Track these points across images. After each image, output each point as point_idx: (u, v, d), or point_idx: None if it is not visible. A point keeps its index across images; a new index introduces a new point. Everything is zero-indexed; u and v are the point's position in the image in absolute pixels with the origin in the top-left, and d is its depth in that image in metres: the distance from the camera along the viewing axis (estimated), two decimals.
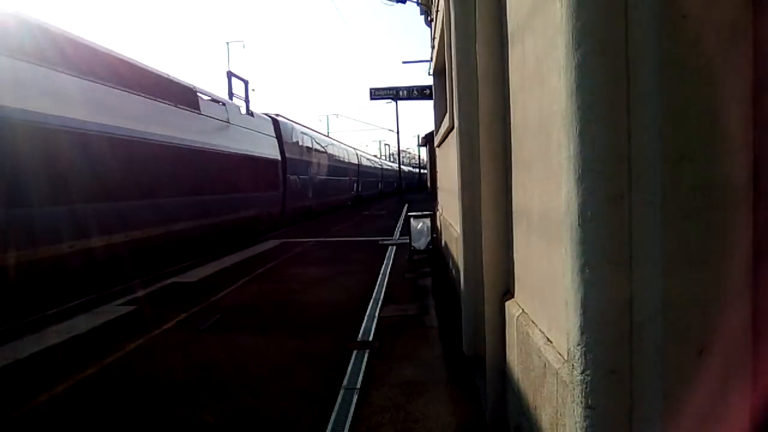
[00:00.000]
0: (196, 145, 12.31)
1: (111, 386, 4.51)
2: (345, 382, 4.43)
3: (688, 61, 1.42)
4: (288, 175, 20.47)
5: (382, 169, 55.58)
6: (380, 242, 14.31)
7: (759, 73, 1.47)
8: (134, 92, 10.12)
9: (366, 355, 5.06)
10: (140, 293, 8.38)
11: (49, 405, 4.17)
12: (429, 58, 12.88)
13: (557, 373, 2.10)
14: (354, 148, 41.58)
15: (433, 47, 11.09)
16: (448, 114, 6.93)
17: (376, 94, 31.18)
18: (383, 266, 10.35)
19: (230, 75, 19.90)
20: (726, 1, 1.44)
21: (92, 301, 7.83)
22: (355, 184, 38.65)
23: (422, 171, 76.49)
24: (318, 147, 26.72)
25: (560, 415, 2.05)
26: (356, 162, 39.30)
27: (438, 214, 12.05)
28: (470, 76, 4.12)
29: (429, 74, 12.84)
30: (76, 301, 7.71)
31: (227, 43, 38.67)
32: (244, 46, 42.94)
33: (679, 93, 1.43)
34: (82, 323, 6.59)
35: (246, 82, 20.75)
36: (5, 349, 5.54)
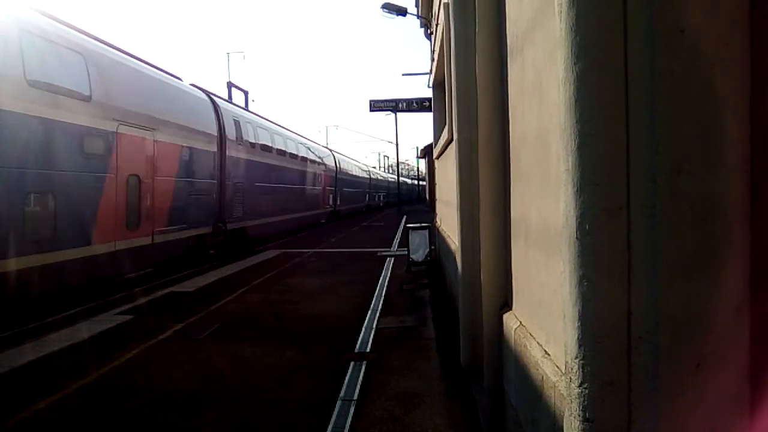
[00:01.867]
0: None
1: (108, 395, 4.48)
2: (342, 393, 4.41)
3: (686, 75, 1.44)
4: None
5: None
6: (378, 254, 14.30)
7: (756, 86, 1.49)
8: None
9: (363, 366, 5.04)
10: (138, 302, 8.35)
11: (46, 414, 4.14)
12: (428, 71, 12.95)
13: (555, 385, 2.10)
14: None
15: (432, 60, 11.16)
16: (447, 126, 6.96)
17: (376, 106, 31.34)
18: (381, 277, 10.34)
19: (230, 85, 20.02)
20: (723, 16, 1.46)
21: (91, 309, 7.79)
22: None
23: (421, 183, 76.50)
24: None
25: (558, 428, 2.04)
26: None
27: (437, 225, 12.05)
28: (469, 88, 4.14)
29: (428, 86, 12.91)
30: (75, 309, 7.67)
31: (228, 53, 39.02)
32: (244, 57, 43.24)
33: (677, 107, 1.44)
34: (80, 332, 6.55)
35: (246, 93, 20.87)
36: (3, 357, 5.51)
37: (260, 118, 19.11)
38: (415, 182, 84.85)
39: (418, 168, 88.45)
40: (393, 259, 13.10)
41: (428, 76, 13.12)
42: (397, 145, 42.91)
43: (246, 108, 19.05)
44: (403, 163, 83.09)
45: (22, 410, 4.18)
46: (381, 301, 8.08)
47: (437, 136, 10.51)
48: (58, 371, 5.09)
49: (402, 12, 15.88)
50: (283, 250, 15.52)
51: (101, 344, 6.03)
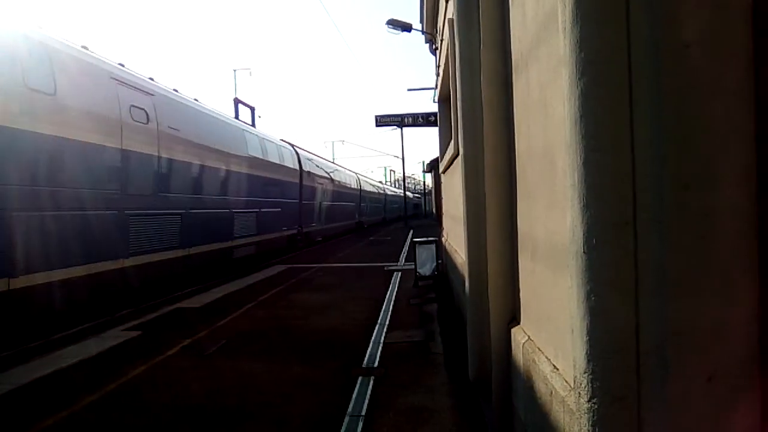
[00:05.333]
0: None
1: (117, 412, 4.48)
2: (350, 408, 4.39)
3: (691, 90, 1.45)
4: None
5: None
6: (386, 268, 14.28)
7: (762, 100, 1.49)
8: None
9: (371, 382, 5.02)
10: (145, 318, 8.37)
11: (54, 431, 4.14)
12: (434, 86, 13.03)
13: (564, 400, 2.09)
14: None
15: (437, 75, 11.23)
16: (453, 141, 6.98)
17: (382, 121, 31.51)
18: (388, 292, 10.31)
19: (237, 102, 20.20)
20: (728, 31, 1.48)
21: (99, 325, 7.82)
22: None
23: (427, 197, 76.62)
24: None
25: None
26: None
27: (443, 239, 12.04)
28: (475, 103, 4.16)
29: (434, 101, 12.99)
30: (82, 326, 7.70)
31: (234, 70, 39.15)
32: (250, 74, 43.49)
33: (683, 121, 1.45)
34: (87, 348, 6.56)
35: (252, 109, 21.05)
36: (10, 374, 5.53)
37: (316, 156, 27.12)
38: (422, 197, 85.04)
39: (424, 182, 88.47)
40: (400, 273, 13.08)
41: (433, 91, 13.20)
42: (403, 160, 42.98)
43: (252, 123, 19.42)
44: (409, 177, 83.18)
45: (30, 428, 4.19)
46: (388, 316, 8.06)
47: (443, 150, 10.54)
48: (66, 388, 5.10)
49: (407, 28, 15.99)
50: (290, 266, 15.54)
51: (109, 360, 6.04)
